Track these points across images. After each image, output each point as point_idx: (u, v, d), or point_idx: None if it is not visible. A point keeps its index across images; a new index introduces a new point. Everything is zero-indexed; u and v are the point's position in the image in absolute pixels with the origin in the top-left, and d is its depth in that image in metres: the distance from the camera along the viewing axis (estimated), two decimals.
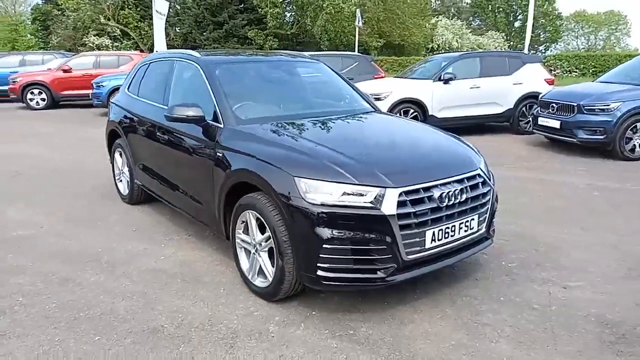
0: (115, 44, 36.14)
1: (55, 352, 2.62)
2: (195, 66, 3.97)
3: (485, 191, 3.19)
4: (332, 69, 4.56)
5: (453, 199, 2.94)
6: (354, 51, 20.05)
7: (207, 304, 3.12)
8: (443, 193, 2.89)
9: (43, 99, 13.96)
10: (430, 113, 8.90)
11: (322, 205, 2.71)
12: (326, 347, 2.67)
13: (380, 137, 3.53)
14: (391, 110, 8.60)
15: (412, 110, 8.81)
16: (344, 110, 4.08)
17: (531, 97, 9.17)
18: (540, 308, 3.08)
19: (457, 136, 3.74)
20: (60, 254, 3.91)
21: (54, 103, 14.17)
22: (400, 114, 8.74)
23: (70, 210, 5.02)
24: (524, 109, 9.35)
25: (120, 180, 5.28)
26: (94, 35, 35.85)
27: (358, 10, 20.85)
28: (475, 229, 3.14)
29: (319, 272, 2.75)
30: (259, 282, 3.16)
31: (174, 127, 3.87)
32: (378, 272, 2.76)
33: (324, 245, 2.70)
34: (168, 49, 24.73)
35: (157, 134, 4.16)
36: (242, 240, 3.26)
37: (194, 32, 33.64)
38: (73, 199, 5.43)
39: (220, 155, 3.36)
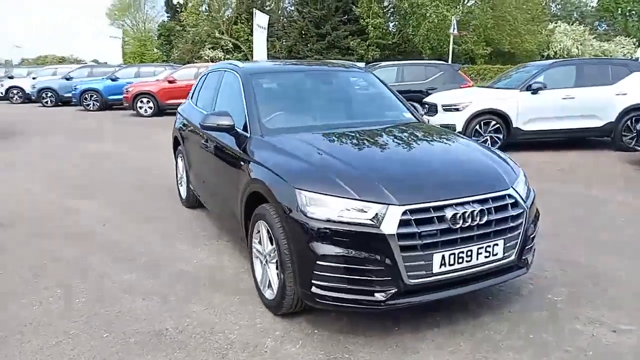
0: (227, 56, 38.51)
1: (64, 345, 2.79)
2: (236, 76, 4.06)
3: (515, 214, 2.85)
4: (379, 80, 4.40)
5: (470, 220, 2.66)
6: (448, 60, 19.28)
7: (216, 311, 3.14)
8: (457, 214, 2.63)
9: (150, 107, 15.29)
10: (514, 125, 8.26)
11: (321, 219, 2.60)
12: None
13: (404, 150, 3.33)
14: (469, 122, 8.14)
15: (493, 122, 8.25)
16: (380, 121, 3.90)
17: (638, 110, 8.13)
18: (574, 352, 2.67)
19: (498, 152, 3.41)
20: (110, 250, 4.20)
21: (160, 111, 15.42)
22: (480, 126, 8.23)
23: (135, 209, 5.39)
24: (628, 122, 8.31)
25: (181, 185, 5.56)
26: (209, 49, 38.49)
27: (454, 18, 20.09)
28: (501, 255, 2.82)
29: (314, 289, 2.64)
30: (268, 293, 3.11)
31: (214, 135, 3.98)
32: (376, 295, 2.58)
33: (318, 262, 2.59)
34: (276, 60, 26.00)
35: (202, 141, 4.32)
36: (257, 251, 3.24)
37: (298, 44, 34.84)
38: (141, 199, 5.83)
39: (244, 164, 3.39)
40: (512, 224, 2.84)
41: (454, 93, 9.18)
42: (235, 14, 39.01)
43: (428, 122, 4.12)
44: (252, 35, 38.22)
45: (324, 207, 2.62)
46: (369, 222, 2.55)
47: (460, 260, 2.68)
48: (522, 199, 2.95)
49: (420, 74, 10.80)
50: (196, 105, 5.06)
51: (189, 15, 39.17)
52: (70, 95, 17.90)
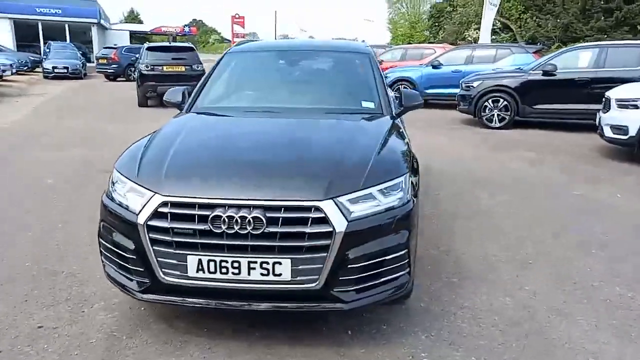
0: (493, 37, 36.39)
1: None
2: None
3: (313, 232, 2.28)
4: (372, 64, 3.78)
5: (238, 227, 2.27)
6: None
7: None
8: (224, 216, 2.28)
9: None
10: None
11: (113, 199, 2.61)
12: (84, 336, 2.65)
13: (270, 141, 2.99)
14: None
15: None
16: (324, 108, 3.52)
17: None
18: None
19: (392, 157, 2.75)
20: None
21: None
22: None
23: None
24: None
25: None
26: (474, 29, 37.06)
27: None
28: (287, 277, 2.31)
29: (102, 264, 2.71)
30: None
31: None
32: (133, 281, 2.50)
33: (99, 239, 2.66)
34: (547, 41, 23.39)
35: None
36: None
37: (577, 22, 30.32)
38: None
39: None
40: (308, 244, 2.28)
41: (633, 87, 6.82)
42: None
43: (394, 114, 3.43)
44: (524, 14, 35.24)
45: (120, 188, 2.62)
46: (137, 207, 2.45)
47: (223, 270, 2.33)
48: (347, 217, 2.31)
49: (631, 59, 8.24)
50: None
51: None
52: None
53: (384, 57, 15.74)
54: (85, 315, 2.87)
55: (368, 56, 3.88)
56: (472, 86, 9.64)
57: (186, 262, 2.35)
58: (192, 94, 3.68)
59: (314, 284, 2.33)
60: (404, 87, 12.75)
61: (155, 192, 2.41)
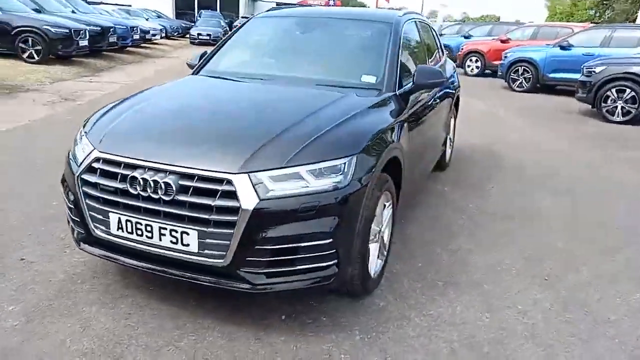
0: None
1: None
2: None
3: (222, 205, 2.15)
4: (391, 37, 3.36)
5: (150, 190, 2.22)
6: None
7: None
8: (139, 178, 2.24)
9: (477, 67, 14.76)
10: None
11: (71, 152, 2.70)
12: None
13: (220, 109, 2.90)
14: None
15: None
16: (322, 79, 3.22)
17: None
18: None
19: (356, 134, 2.51)
20: None
21: (485, 70, 14.66)
22: None
23: None
24: None
25: None
26: None
27: None
28: (194, 249, 2.23)
29: None
30: None
31: None
32: (75, 231, 2.61)
33: (62, 189, 2.78)
34: None
35: None
36: None
37: None
38: None
39: None
40: (215, 218, 2.16)
41: None
42: None
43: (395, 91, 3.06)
44: None
45: (81, 142, 2.68)
46: (80, 161, 2.51)
47: (138, 232, 2.31)
48: (260, 195, 2.13)
49: None
50: None
51: None
52: None
53: (512, 36, 14.28)
54: (64, 256, 3.08)
55: (390, 26, 3.48)
56: (594, 71, 8.31)
57: (109, 219, 2.37)
58: (205, 57, 3.68)
59: (220, 260, 2.21)
60: (524, 70, 11.59)
61: (94, 148, 2.47)
